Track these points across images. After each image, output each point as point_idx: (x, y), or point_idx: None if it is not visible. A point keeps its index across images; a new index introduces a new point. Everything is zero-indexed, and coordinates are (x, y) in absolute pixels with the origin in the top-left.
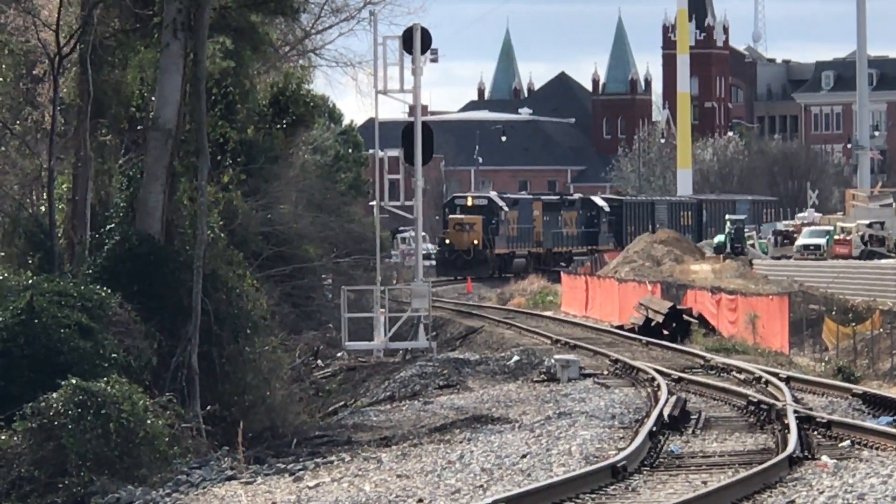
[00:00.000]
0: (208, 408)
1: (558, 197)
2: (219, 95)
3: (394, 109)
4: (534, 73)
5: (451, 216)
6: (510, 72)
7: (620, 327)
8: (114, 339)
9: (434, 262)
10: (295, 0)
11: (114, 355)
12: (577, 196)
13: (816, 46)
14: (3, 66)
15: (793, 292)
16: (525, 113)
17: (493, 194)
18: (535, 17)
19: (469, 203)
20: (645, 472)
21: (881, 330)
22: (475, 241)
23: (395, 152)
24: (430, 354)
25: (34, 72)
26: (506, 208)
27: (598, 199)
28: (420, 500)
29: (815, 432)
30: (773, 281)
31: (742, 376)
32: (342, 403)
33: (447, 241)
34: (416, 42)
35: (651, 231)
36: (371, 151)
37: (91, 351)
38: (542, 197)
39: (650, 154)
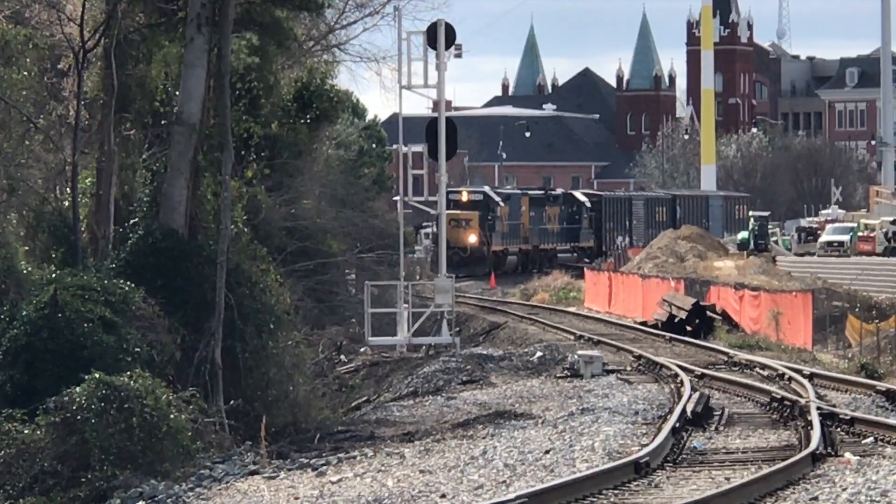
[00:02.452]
0: (231, 402)
1: (542, 191)
2: (243, 90)
3: (418, 105)
4: (558, 68)
5: (447, 212)
6: (534, 67)
7: (644, 323)
8: (137, 333)
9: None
10: None
11: (137, 350)
12: (559, 191)
13: (841, 43)
14: (28, 60)
15: (816, 289)
16: (549, 108)
17: (487, 189)
18: (560, 13)
19: (464, 198)
20: (668, 469)
21: None
22: (473, 238)
23: (418, 148)
24: (454, 350)
25: (59, 66)
26: (501, 203)
27: (579, 195)
28: (443, 496)
29: (839, 429)
30: (796, 277)
31: (765, 373)
32: (365, 399)
33: None
34: (440, 37)
35: (627, 227)
36: (395, 147)
37: (114, 345)
38: (529, 192)
39: (674, 150)
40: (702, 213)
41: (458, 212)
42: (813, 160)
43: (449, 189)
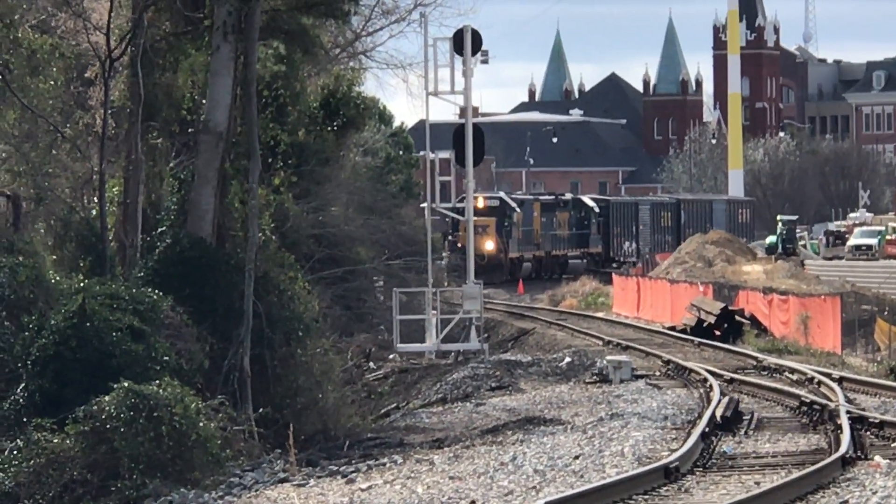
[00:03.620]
0: (260, 410)
1: (553, 197)
2: (269, 98)
3: (444, 111)
4: (584, 74)
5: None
6: (561, 73)
7: (672, 328)
8: (165, 342)
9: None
10: (346, 2)
11: (166, 358)
12: (568, 196)
13: (868, 46)
14: (55, 69)
15: (845, 293)
16: (576, 114)
17: (502, 194)
18: (586, 18)
19: (480, 204)
20: (698, 473)
21: None
22: (490, 245)
23: (445, 154)
24: (482, 356)
25: (85, 75)
26: (517, 209)
27: (587, 200)
28: (472, 502)
29: (868, 433)
30: (824, 281)
31: (794, 377)
32: (394, 405)
33: (459, 245)
34: (467, 44)
35: (634, 232)
36: (422, 153)
37: (143, 354)
38: (540, 197)
39: (701, 155)
40: (706, 218)
41: (475, 218)
42: (840, 164)
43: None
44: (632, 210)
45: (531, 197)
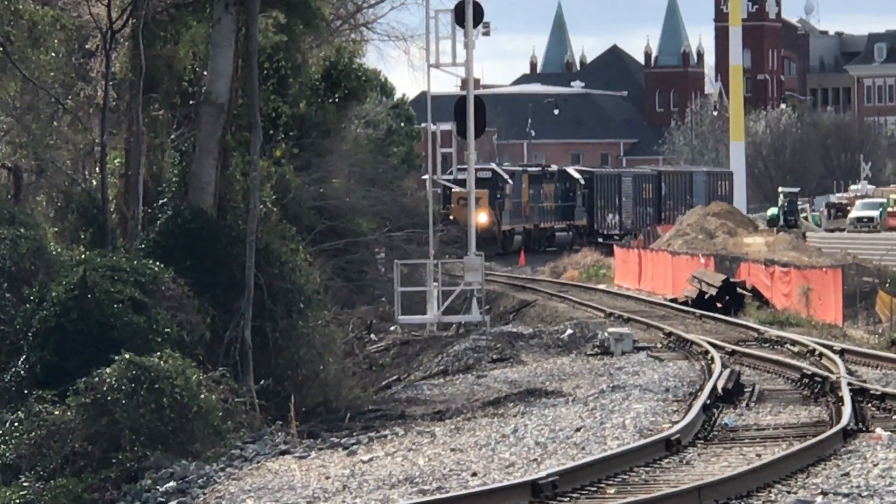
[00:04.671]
0: (262, 382)
1: (539, 168)
2: (271, 70)
3: (446, 83)
4: (586, 46)
5: (454, 190)
6: (562, 45)
7: (674, 300)
8: (167, 313)
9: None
10: None
11: (167, 330)
12: (554, 167)
13: (869, 18)
14: (56, 41)
15: (846, 265)
16: (577, 86)
17: (494, 165)
18: None
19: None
20: (699, 446)
21: None
22: (483, 218)
23: (447, 126)
24: (484, 328)
25: (86, 47)
26: (509, 181)
27: (573, 171)
28: (474, 474)
29: (870, 405)
30: (826, 253)
31: (796, 349)
32: (395, 377)
33: (451, 217)
34: (469, 15)
35: (616, 205)
36: (423, 125)
37: (144, 326)
38: (529, 169)
39: (703, 127)
40: (686, 190)
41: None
42: (842, 136)
43: (458, 167)
44: (615, 182)
45: (520, 168)
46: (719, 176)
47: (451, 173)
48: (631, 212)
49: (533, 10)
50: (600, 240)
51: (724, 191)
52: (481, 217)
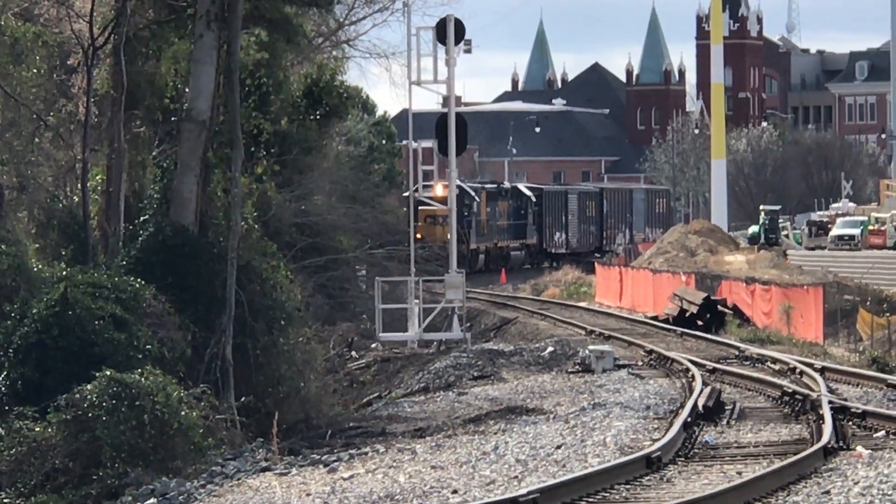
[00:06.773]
0: (242, 399)
1: (495, 185)
2: (252, 87)
3: (427, 100)
4: (567, 63)
5: (421, 208)
6: (544, 62)
7: (655, 318)
8: (148, 330)
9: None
10: None
11: (148, 347)
12: (508, 184)
13: (850, 36)
14: (37, 57)
15: (827, 283)
16: (559, 103)
17: (461, 183)
18: (569, 8)
19: (440, 193)
20: (680, 463)
21: None
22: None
23: (428, 143)
24: (465, 345)
25: (68, 63)
26: (476, 198)
27: (524, 188)
28: (454, 492)
29: (850, 423)
30: (807, 271)
31: (776, 367)
32: (376, 395)
33: (418, 236)
34: (450, 33)
35: (563, 223)
36: (405, 142)
37: (125, 342)
38: (486, 186)
39: (684, 145)
40: (626, 207)
41: (435, 207)
42: (823, 154)
43: (423, 184)
44: (562, 199)
45: (479, 185)
46: (657, 193)
47: (415, 190)
48: (576, 230)
49: (514, 27)
50: (548, 261)
51: (660, 208)
52: (448, 235)
